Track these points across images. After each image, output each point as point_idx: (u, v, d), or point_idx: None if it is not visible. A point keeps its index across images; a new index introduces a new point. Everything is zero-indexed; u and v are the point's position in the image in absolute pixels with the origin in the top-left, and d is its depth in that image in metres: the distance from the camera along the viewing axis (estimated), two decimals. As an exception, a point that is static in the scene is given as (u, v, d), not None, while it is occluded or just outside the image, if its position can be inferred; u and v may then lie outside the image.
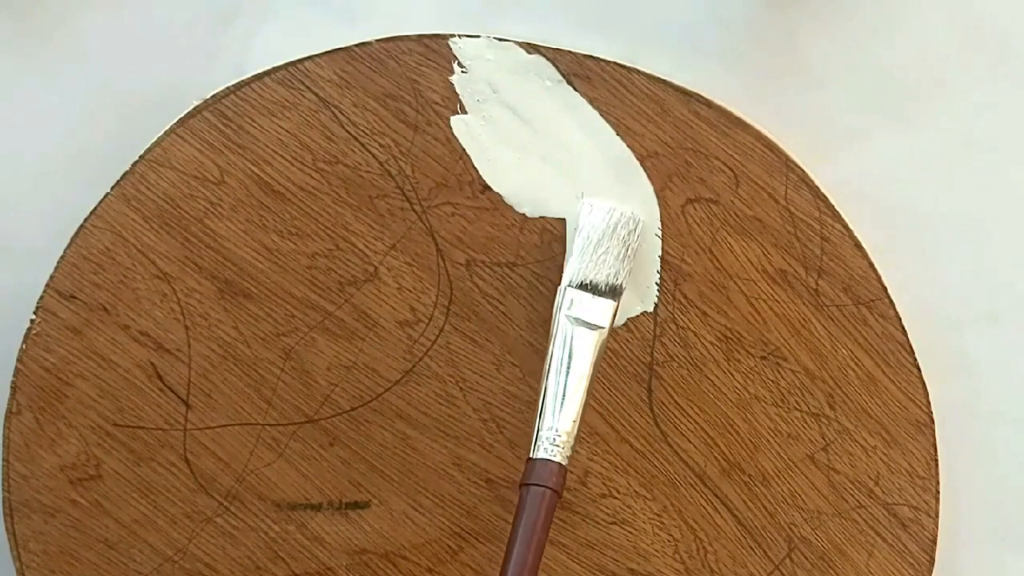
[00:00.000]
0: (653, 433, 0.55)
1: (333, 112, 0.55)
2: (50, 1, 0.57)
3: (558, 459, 0.50)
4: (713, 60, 0.57)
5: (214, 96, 0.55)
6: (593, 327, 0.52)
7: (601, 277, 0.53)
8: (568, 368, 0.52)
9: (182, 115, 0.54)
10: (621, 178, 0.55)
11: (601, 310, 0.52)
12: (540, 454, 0.50)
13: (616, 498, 0.55)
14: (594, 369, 0.52)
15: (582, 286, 0.53)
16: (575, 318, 0.52)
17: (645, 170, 0.55)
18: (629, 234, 0.53)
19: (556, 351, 0.52)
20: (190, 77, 0.56)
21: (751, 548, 0.55)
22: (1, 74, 0.56)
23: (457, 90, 0.55)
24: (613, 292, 0.53)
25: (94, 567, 0.54)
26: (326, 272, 0.54)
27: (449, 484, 0.55)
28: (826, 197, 0.55)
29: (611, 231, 0.53)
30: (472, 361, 0.55)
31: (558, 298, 0.53)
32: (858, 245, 0.55)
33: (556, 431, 0.51)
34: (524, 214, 0.55)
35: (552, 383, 0.52)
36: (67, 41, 0.57)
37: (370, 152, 0.55)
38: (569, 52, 0.55)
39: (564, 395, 0.51)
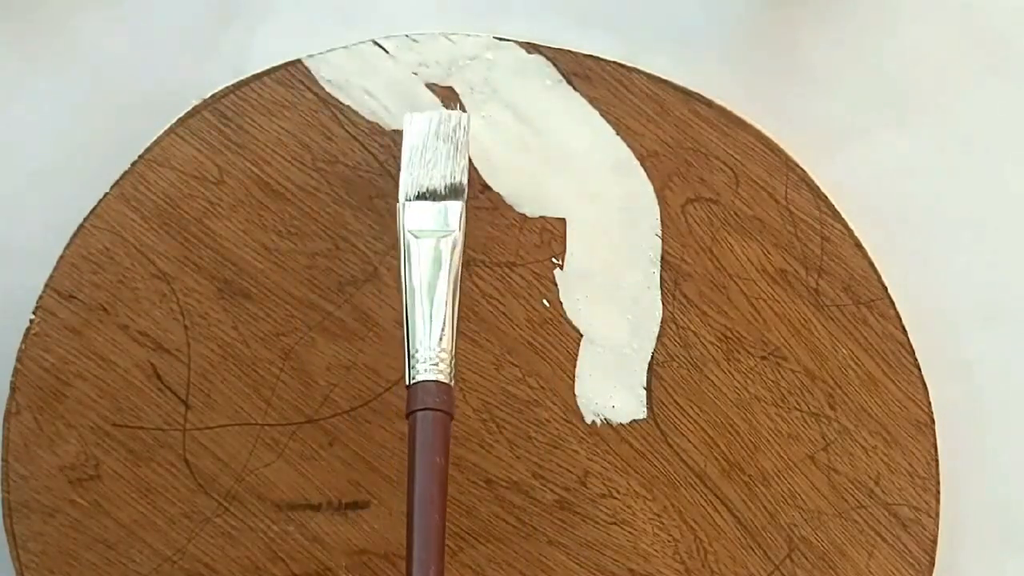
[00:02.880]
0: (653, 433, 0.55)
1: (333, 112, 0.55)
2: (50, 1, 0.57)
3: (441, 378, 0.47)
4: (713, 60, 0.57)
5: (213, 96, 0.54)
6: (442, 233, 0.49)
7: (437, 181, 0.50)
8: (428, 283, 0.48)
9: (181, 115, 0.54)
10: (621, 178, 0.55)
11: (446, 214, 0.50)
12: (420, 377, 0.47)
13: (616, 498, 0.55)
14: (457, 276, 0.49)
15: (420, 196, 0.50)
16: (421, 230, 0.49)
17: (645, 170, 0.55)
18: (454, 130, 0.51)
19: (411, 270, 0.49)
20: (190, 77, 0.56)
21: (751, 548, 0.55)
22: (1, 74, 0.56)
23: (456, 90, 0.55)
24: (455, 192, 0.50)
25: (93, 567, 0.54)
26: (326, 272, 0.54)
27: (449, 484, 0.54)
28: (826, 197, 0.55)
29: (435, 133, 0.51)
30: (472, 361, 0.55)
31: (399, 217, 0.50)
32: (858, 245, 0.55)
33: (432, 350, 0.47)
34: (524, 214, 0.55)
35: (416, 304, 0.48)
36: (67, 41, 0.56)
37: (370, 152, 0.55)
38: (569, 52, 0.55)
39: (431, 312, 0.48)
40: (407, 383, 0.47)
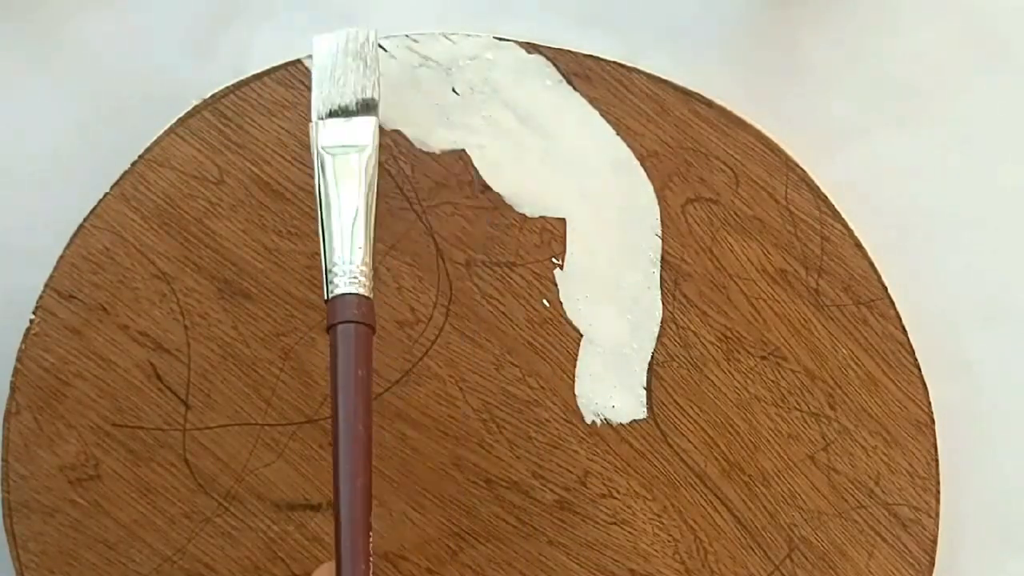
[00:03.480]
0: (653, 433, 0.55)
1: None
2: (50, 1, 0.57)
3: (360, 291, 0.46)
4: (713, 60, 0.57)
5: (213, 96, 0.55)
6: (356, 148, 0.49)
7: (348, 97, 0.50)
8: (343, 199, 0.48)
9: (182, 115, 0.54)
10: (621, 178, 0.55)
11: (359, 129, 0.49)
12: (338, 291, 0.46)
13: (616, 498, 0.55)
14: (372, 191, 0.49)
15: (332, 114, 0.50)
16: (334, 147, 0.49)
17: (645, 170, 0.55)
18: (362, 46, 0.51)
19: (325, 187, 0.48)
20: (190, 77, 0.56)
21: (751, 548, 0.55)
22: (1, 74, 0.56)
23: (456, 90, 0.55)
24: (367, 107, 0.50)
25: (93, 567, 0.54)
26: (326, 272, 0.54)
27: (449, 484, 0.54)
28: (826, 197, 0.55)
29: (343, 51, 0.50)
30: (472, 361, 0.55)
31: (311, 136, 0.50)
32: (858, 245, 0.55)
33: (350, 263, 0.47)
34: (524, 214, 0.55)
35: (334, 220, 0.48)
36: (67, 41, 0.57)
37: (370, 152, 0.55)
38: (569, 52, 0.55)
39: (351, 228, 0.48)
40: (325, 297, 0.47)
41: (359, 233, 0.48)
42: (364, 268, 0.47)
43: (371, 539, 0.45)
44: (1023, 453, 0.57)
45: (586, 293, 0.55)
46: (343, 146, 0.49)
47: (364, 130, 0.49)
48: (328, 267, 0.47)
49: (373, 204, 0.49)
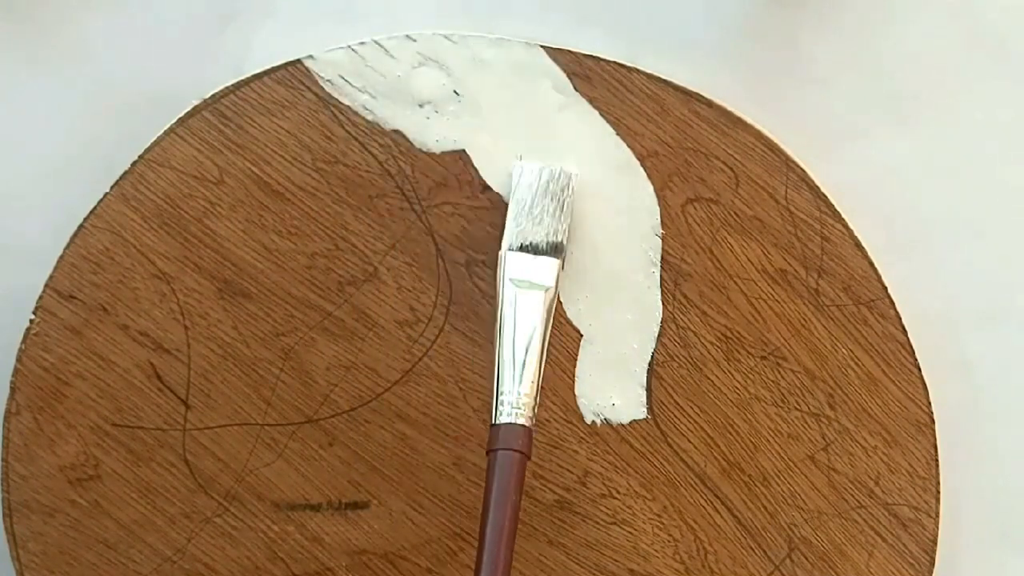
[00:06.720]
0: (653, 433, 0.55)
1: (333, 112, 0.55)
2: (50, 1, 0.57)
3: (523, 422, 0.50)
4: (713, 60, 0.57)
5: (213, 96, 0.54)
6: (539, 287, 0.52)
7: (540, 237, 0.53)
8: (522, 332, 0.52)
9: (181, 115, 0.54)
10: (621, 178, 0.55)
11: (544, 269, 0.53)
12: (504, 419, 0.50)
13: (616, 498, 0.55)
14: (547, 329, 0.52)
15: (523, 248, 0.53)
16: (520, 280, 0.52)
17: (645, 170, 0.55)
18: (562, 190, 0.54)
19: (506, 317, 0.52)
20: (190, 77, 0.56)
21: (751, 548, 0.55)
22: (1, 74, 0.56)
23: (456, 90, 0.55)
24: (554, 250, 0.53)
25: (93, 567, 0.54)
26: (326, 272, 0.54)
27: (449, 484, 0.54)
28: (826, 197, 0.55)
29: (543, 190, 0.54)
30: (472, 361, 0.55)
31: (500, 265, 0.53)
32: (858, 245, 0.55)
33: (518, 395, 0.50)
34: (524, 214, 0.55)
35: (506, 348, 0.51)
36: (67, 41, 0.56)
37: (370, 152, 0.55)
38: (569, 52, 0.55)
39: (522, 359, 0.51)
40: (492, 421, 0.50)
41: (531, 366, 0.51)
42: (528, 400, 0.50)
43: None
44: (1023, 453, 0.57)
45: (586, 293, 0.55)
46: (529, 282, 0.52)
47: (549, 270, 0.53)
48: (498, 393, 0.51)
49: (547, 341, 0.52)
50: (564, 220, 0.53)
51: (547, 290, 0.52)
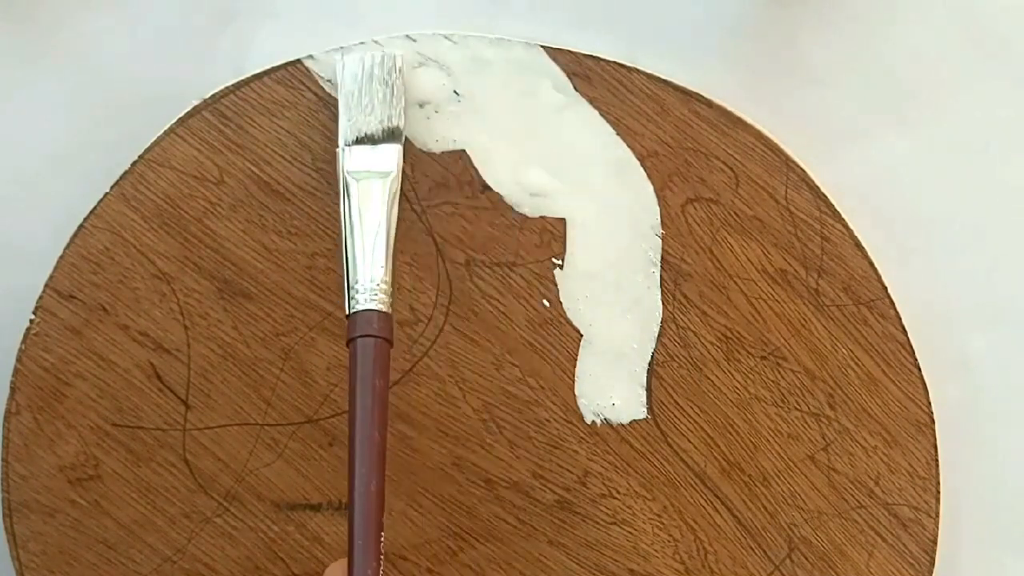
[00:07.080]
0: (653, 433, 0.55)
1: (333, 112, 0.54)
2: (50, 1, 0.57)
3: (379, 307, 0.49)
4: (713, 60, 0.57)
5: (213, 96, 0.54)
6: (380, 175, 0.52)
7: (374, 126, 0.52)
8: (366, 220, 0.51)
9: (181, 115, 0.54)
10: (621, 178, 0.55)
11: (384, 156, 0.52)
12: (359, 307, 0.49)
13: (616, 498, 0.55)
14: (393, 213, 0.52)
15: (359, 141, 0.52)
16: (359, 172, 0.52)
17: (645, 170, 0.55)
18: (389, 73, 0.53)
19: (350, 210, 0.51)
20: (190, 77, 0.56)
21: (751, 548, 0.55)
22: (1, 74, 0.56)
23: (456, 90, 0.55)
24: (391, 135, 0.53)
25: (93, 567, 0.54)
26: (326, 272, 0.54)
27: (449, 484, 0.54)
28: (826, 197, 0.55)
29: (369, 77, 0.53)
30: (472, 361, 0.55)
31: (339, 161, 0.52)
32: (858, 245, 0.55)
33: (371, 280, 0.50)
34: (524, 214, 0.55)
35: (356, 240, 0.51)
36: (67, 41, 0.56)
37: (370, 152, 0.55)
38: (569, 52, 0.55)
39: (371, 246, 0.51)
40: (347, 312, 0.49)
41: (380, 253, 0.50)
42: (384, 286, 0.50)
43: (382, 541, 0.48)
44: (1023, 453, 0.57)
45: (586, 293, 0.55)
46: (368, 171, 0.52)
47: (388, 157, 0.52)
48: (350, 284, 0.50)
49: (393, 225, 0.51)
50: (396, 104, 0.53)
51: (388, 175, 0.52)
